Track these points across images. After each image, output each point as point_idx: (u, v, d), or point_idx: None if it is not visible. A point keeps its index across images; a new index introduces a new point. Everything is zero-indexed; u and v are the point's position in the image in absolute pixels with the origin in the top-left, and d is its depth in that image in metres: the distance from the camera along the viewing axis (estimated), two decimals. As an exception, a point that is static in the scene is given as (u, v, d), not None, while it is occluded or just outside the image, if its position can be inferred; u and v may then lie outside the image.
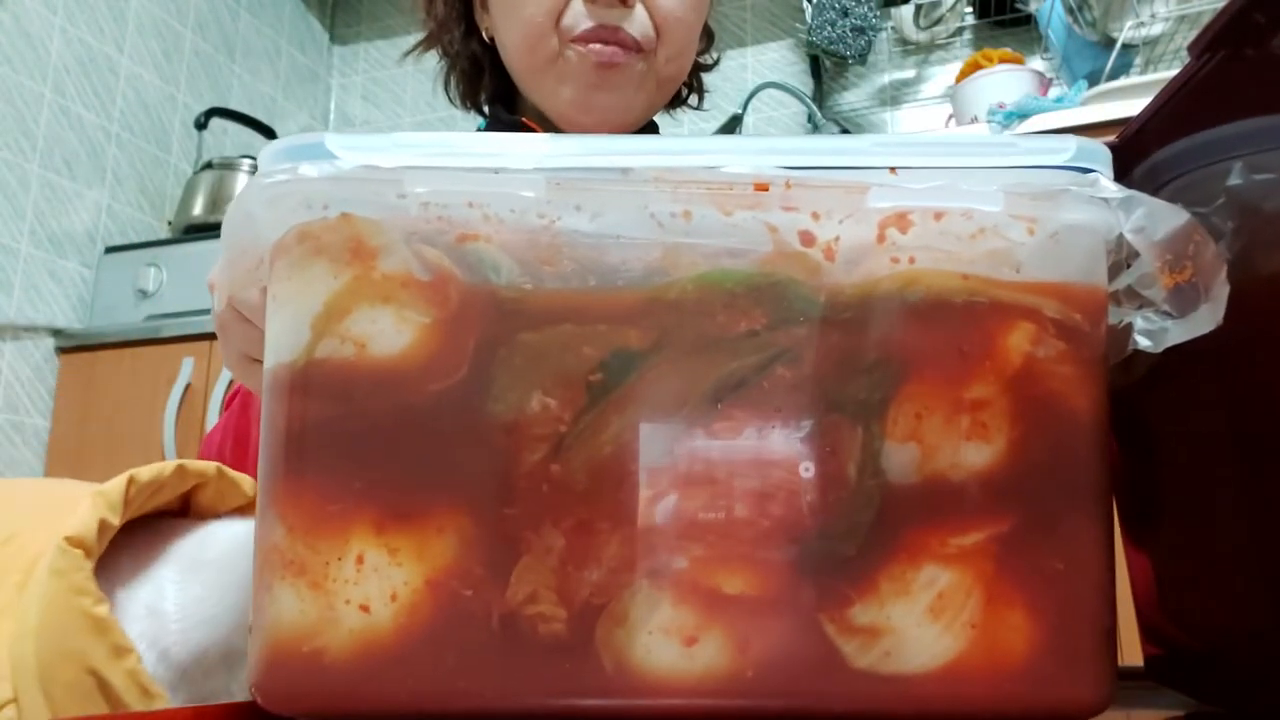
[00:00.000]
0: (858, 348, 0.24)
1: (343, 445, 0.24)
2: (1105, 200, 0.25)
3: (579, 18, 0.55)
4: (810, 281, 0.25)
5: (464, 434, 0.24)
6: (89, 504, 0.42)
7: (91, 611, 0.40)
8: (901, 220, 0.25)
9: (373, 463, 0.24)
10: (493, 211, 0.25)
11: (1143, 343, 0.25)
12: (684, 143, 0.25)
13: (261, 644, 0.23)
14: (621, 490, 0.23)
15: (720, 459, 0.24)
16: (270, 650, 0.23)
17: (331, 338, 0.24)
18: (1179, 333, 0.25)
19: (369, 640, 0.23)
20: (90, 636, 0.40)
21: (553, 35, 0.56)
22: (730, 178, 0.25)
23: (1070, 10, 1.59)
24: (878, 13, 1.84)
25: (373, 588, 0.23)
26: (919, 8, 1.86)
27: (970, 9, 1.85)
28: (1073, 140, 0.25)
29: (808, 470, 0.24)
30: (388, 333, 0.24)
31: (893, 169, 0.25)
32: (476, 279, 0.24)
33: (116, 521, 0.42)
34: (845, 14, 1.87)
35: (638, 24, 0.56)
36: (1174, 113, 0.28)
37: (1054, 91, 1.58)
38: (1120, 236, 0.25)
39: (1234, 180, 0.25)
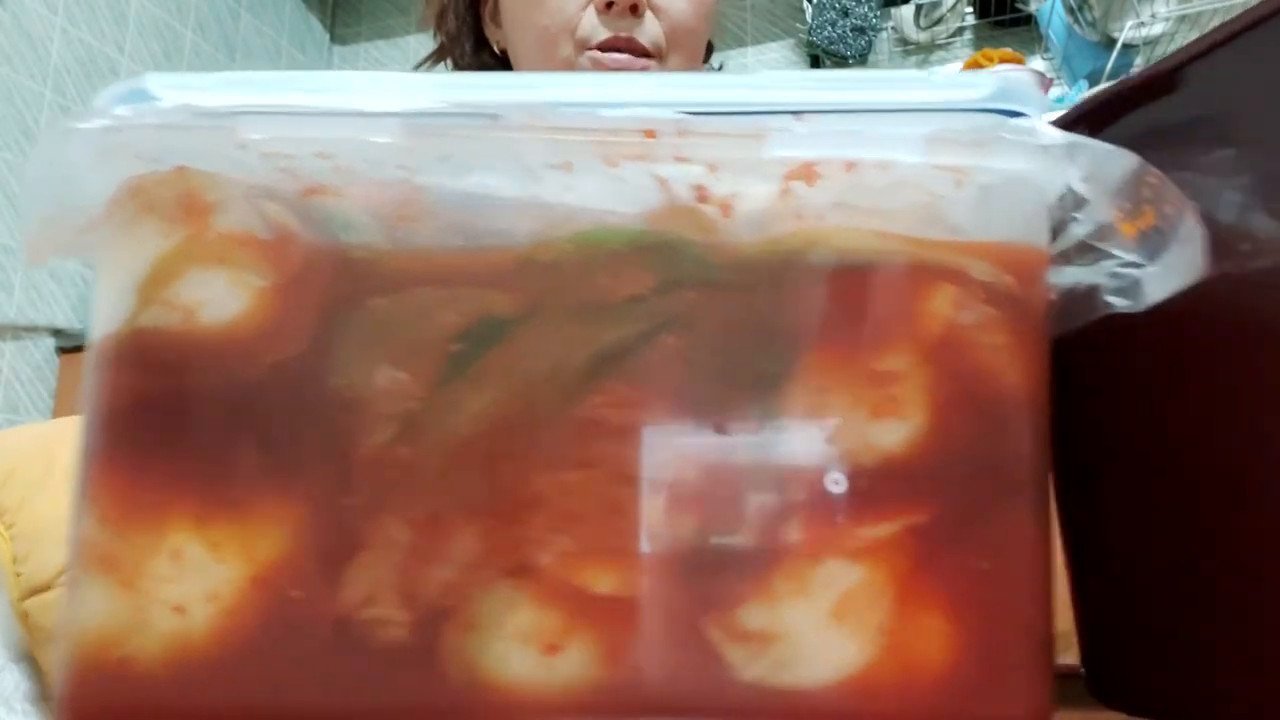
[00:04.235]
0: (755, 314, 0.21)
1: (165, 425, 0.21)
2: (1044, 148, 0.22)
3: (594, 29, 0.57)
4: (703, 241, 0.22)
5: (301, 412, 0.21)
6: None
7: None
8: (808, 172, 0.22)
9: (197, 445, 0.21)
10: (345, 163, 0.22)
11: (1119, 303, 0.22)
12: (561, 79, 0.22)
13: (67, 651, 0.21)
14: (478, 477, 0.21)
15: (596, 439, 0.21)
16: (76, 658, 0.20)
17: (158, 304, 0.22)
18: (1160, 284, 0.21)
19: (185, 646, 0.20)
20: None
21: (568, 44, 0.57)
22: (615, 124, 0.22)
23: (1070, 10, 1.56)
24: (878, 13, 1.82)
25: (190, 586, 0.20)
26: (919, 8, 1.84)
27: (970, 9, 1.82)
28: (995, 76, 0.22)
29: (693, 452, 0.21)
30: (221, 298, 0.21)
31: (798, 114, 0.22)
32: (324, 238, 0.22)
33: None
34: (845, 14, 1.85)
35: (649, 33, 0.57)
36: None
37: (1054, 91, 1.55)
38: (1064, 187, 0.22)
39: None
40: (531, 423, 0.21)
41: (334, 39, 2.21)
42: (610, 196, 0.22)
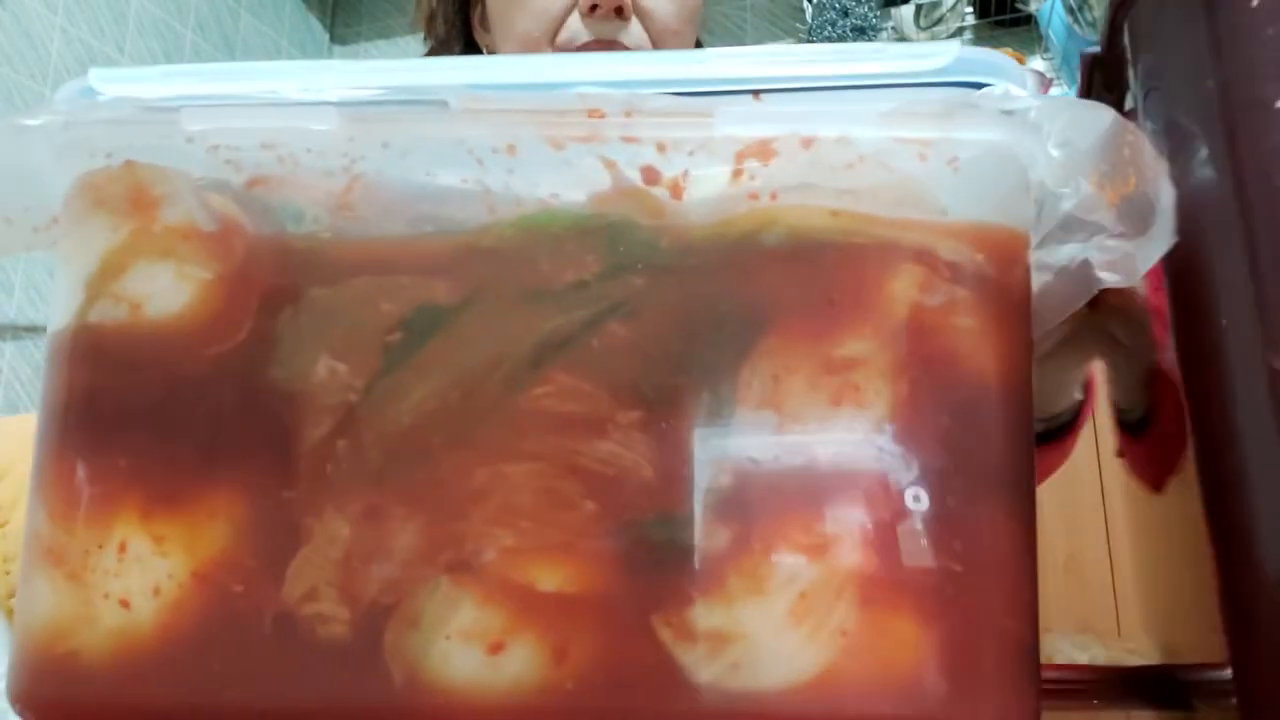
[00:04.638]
0: (707, 299, 0.21)
1: (111, 419, 0.21)
2: (1009, 113, 0.21)
3: (576, 32, 0.56)
4: (651, 223, 0.21)
5: (242, 405, 0.20)
6: None
7: None
8: (763, 149, 0.21)
9: (142, 438, 0.21)
10: (288, 152, 0.21)
11: (1109, 278, 0.21)
12: (504, 61, 0.22)
13: (19, 647, 0.20)
14: (420, 469, 0.20)
15: (541, 430, 0.20)
16: (27, 651, 0.20)
17: (106, 299, 0.21)
18: (1146, 256, 0.20)
19: (129, 640, 0.20)
20: None
21: (549, 49, 0.56)
22: (560, 104, 0.21)
23: (1070, 10, 1.54)
24: (878, 13, 1.81)
25: (134, 580, 0.20)
26: (919, 8, 1.82)
27: (970, 9, 1.81)
28: (956, 45, 0.21)
29: (643, 443, 0.20)
30: (166, 291, 0.21)
31: (756, 93, 0.22)
32: (268, 228, 0.21)
33: None
34: (845, 14, 1.84)
35: (633, 36, 0.57)
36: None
37: (1054, 91, 1.53)
38: (1041, 158, 0.21)
39: None
40: (473, 413, 0.20)
41: (334, 39, 2.22)
42: (556, 180, 0.21)
